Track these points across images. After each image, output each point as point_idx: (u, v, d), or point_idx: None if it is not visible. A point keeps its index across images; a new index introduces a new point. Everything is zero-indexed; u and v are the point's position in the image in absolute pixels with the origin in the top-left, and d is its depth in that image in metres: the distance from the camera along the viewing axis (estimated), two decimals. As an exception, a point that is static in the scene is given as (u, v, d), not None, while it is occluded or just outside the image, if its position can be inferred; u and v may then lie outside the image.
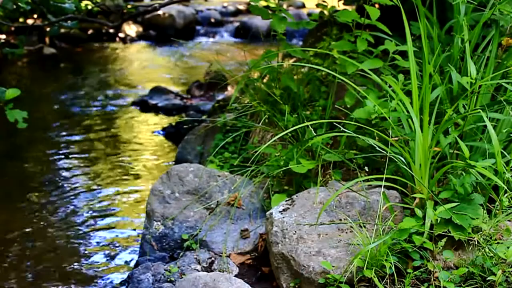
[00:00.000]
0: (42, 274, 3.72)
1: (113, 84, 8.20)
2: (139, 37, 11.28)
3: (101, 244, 4.06)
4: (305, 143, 3.31)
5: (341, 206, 3.03)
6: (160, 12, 10.81)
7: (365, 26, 3.61)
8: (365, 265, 2.62)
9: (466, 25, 3.27)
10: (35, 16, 6.54)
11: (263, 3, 4.06)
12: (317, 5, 4.49)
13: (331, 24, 4.47)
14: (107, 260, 3.87)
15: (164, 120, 6.65)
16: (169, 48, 10.52)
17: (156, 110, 6.98)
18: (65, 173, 5.22)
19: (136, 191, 4.89)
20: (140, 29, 11.41)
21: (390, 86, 3.19)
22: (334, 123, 3.15)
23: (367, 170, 3.30)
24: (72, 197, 4.76)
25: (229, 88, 6.75)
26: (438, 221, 2.73)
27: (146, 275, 3.15)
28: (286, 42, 4.15)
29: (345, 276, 2.68)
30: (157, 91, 7.31)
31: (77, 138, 6.10)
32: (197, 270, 3.14)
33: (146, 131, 6.35)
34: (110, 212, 4.54)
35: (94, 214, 4.50)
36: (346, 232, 2.89)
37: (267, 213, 3.12)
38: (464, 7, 3.41)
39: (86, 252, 3.96)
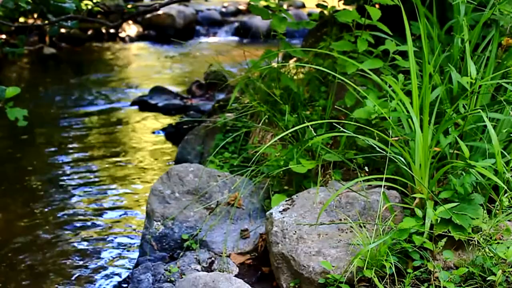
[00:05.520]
0: (41, 273, 3.72)
1: (113, 84, 8.20)
2: (139, 37, 11.28)
3: (101, 244, 4.06)
4: (305, 143, 3.31)
5: (341, 206, 3.02)
6: (160, 12, 10.81)
7: (365, 26, 3.61)
8: (365, 265, 2.62)
9: (466, 25, 3.26)
10: (35, 16, 6.54)
11: (263, 3, 4.05)
12: (317, 5, 4.49)
13: (331, 24, 4.46)
14: (107, 260, 3.87)
15: (164, 120, 6.65)
16: (169, 48, 10.52)
17: (156, 110, 6.97)
18: (64, 173, 5.22)
19: (136, 191, 4.89)
20: (140, 29, 11.41)
21: (390, 86, 3.19)
22: (334, 123, 3.15)
23: (367, 170, 3.30)
24: (72, 197, 4.77)
25: (229, 88, 6.75)
26: (438, 221, 2.73)
27: (146, 275, 3.14)
28: (286, 42, 4.15)
29: (345, 276, 2.68)
30: (157, 91, 7.31)
31: (76, 138, 6.10)
32: (197, 270, 3.14)
33: (146, 131, 6.35)
34: (109, 212, 4.54)
35: (94, 214, 4.50)
36: (346, 232, 2.89)
37: (267, 213, 3.11)
38: (464, 7, 3.41)
39: (86, 252, 3.97)
